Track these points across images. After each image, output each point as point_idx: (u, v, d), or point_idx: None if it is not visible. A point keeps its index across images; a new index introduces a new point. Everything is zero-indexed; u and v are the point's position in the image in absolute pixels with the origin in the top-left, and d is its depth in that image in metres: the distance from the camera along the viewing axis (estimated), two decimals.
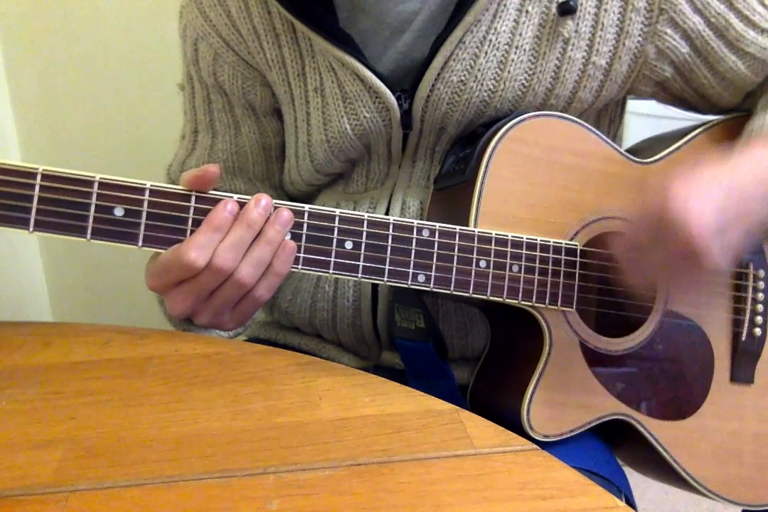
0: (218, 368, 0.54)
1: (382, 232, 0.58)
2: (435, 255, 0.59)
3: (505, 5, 0.64)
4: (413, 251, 0.59)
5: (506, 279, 0.61)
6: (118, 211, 0.52)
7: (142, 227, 0.53)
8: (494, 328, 0.70)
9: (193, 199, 0.54)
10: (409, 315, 0.65)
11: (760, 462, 0.70)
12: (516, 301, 0.62)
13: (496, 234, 0.61)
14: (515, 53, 0.65)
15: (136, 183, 0.53)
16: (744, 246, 0.59)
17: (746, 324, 0.71)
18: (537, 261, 0.62)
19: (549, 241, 0.63)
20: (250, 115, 0.76)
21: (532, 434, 0.61)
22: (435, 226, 0.59)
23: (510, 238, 0.61)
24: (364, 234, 0.58)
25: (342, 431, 0.47)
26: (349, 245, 0.57)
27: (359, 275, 0.58)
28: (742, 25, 0.67)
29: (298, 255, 0.56)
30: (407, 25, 0.67)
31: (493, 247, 0.61)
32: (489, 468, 0.44)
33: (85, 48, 1.21)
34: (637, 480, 0.73)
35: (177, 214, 0.54)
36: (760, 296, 0.71)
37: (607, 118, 0.75)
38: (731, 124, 0.73)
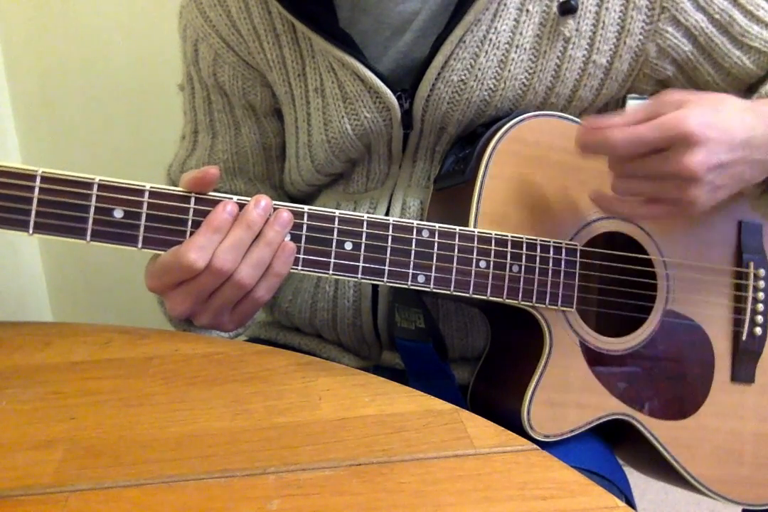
0: (218, 368, 0.54)
1: (381, 232, 0.58)
2: (435, 255, 0.59)
3: (505, 4, 0.64)
4: (413, 252, 0.59)
5: (506, 280, 0.61)
6: (118, 213, 0.52)
7: (142, 229, 0.53)
8: (494, 328, 0.70)
9: (192, 200, 0.54)
10: (410, 315, 0.65)
11: (760, 461, 0.70)
12: (516, 301, 0.62)
13: (495, 234, 0.61)
14: (516, 52, 0.65)
15: (135, 185, 0.53)
16: (732, 190, 0.58)
17: (747, 324, 0.71)
18: (537, 262, 0.62)
19: (549, 241, 0.63)
20: (250, 115, 0.76)
21: (532, 434, 0.61)
22: (435, 226, 0.59)
23: (510, 238, 0.61)
24: (364, 235, 0.58)
25: (342, 431, 0.47)
26: (348, 246, 0.57)
27: (359, 276, 0.58)
28: (746, 20, 0.67)
29: (298, 256, 0.57)
30: (407, 24, 0.67)
31: (493, 247, 0.61)
32: (489, 468, 0.44)
33: (85, 48, 1.21)
34: (637, 480, 0.73)
35: (176, 215, 0.54)
36: (761, 295, 0.71)
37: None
38: None
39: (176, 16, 0.75)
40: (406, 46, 0.68)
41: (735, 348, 0.71)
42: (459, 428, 0.47)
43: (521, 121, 0.63)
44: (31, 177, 0.50)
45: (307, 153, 0.73)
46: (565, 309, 0.63)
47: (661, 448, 0.67)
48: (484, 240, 0.61)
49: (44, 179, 0.51)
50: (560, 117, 0.65)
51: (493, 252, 0.61)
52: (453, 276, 0.60)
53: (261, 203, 0.55)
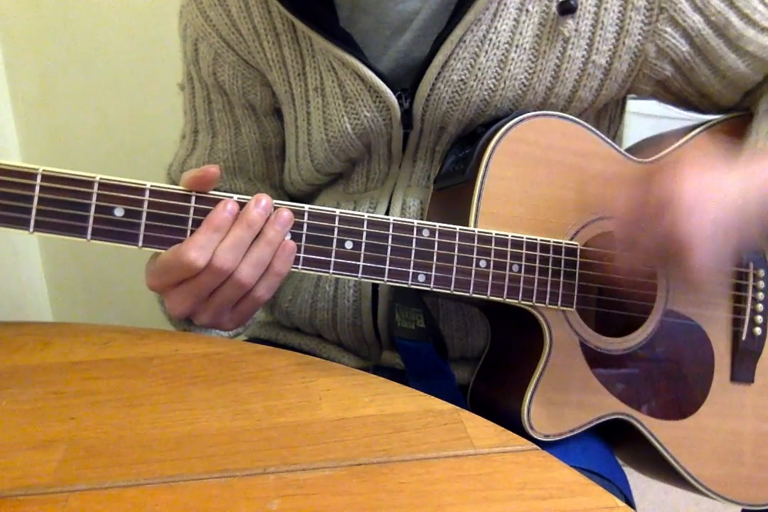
0: (218, 368, 0.54)
1: (382, 231, 0.58)
2: (435, 255, 0.59)
3: (505, 4, 0.64)
4: (413, 251, 0.59)
5: (506, 279, 0.61)
6: (118, 212, 0.52)
7: (142, 227, 0.53)
8: (494, 328, 0.70)
9: (193, 199, 0.54)
10: (410, 315, 0.65)
11: (760, 461, 0.70)
12: (516, 301, 0.62)
13: (496, 234, 0.61)
14: (515, 52, 0.65)
15: (136, 183, 0.53)
16: (734, 255, 0.59)
17: (746, 324, 0.71)
18: (537, 261, 0.62)
19: (549, 241, 0.63)
20: (250, 114, 0.76)
21: (532, 434, 0.61)
22: (435, 225, 0.59)
23: (510, 237, 0.61)
24: (364, 234, 0.58)
25: (342, 431, 0.47)
26: (349, 245, 0.57)
27: (359, 275, 0.58)
28: (742, 23, 0.67)
29: (298, 255, 0.56)
30: (408, 24, 0.67)
31: (493, 246, 0.61)
32: (489, 468, 0.44)
33: (85, 48, 1.21)
34: (637, 480, 0.73)
35: (177, 214, 0.54)
36: (761, 295, 0.71)
37: (607, 117, 0.75)
38: (731, 124, 0.73)
39: (176, 16, 0.75)
40: (406, 46, 0.68)
41: (735, 348, 0.71)
42: (459, 428, 0.47)
43: (521, 121, 0.63)
44: (32, 175, 0.50)
45: (307, 152, 0.73)
46: (565, 308, 0.63)
47: (660, 448, 0.67)
48: (485, 239, 0.61)
49: (45, 178, 0.51)
50: (560, 117, 0.64)
51: (493, 251, 0.61)
52: (453, 276, 0.60)
53: (261, 202, 0.55)
